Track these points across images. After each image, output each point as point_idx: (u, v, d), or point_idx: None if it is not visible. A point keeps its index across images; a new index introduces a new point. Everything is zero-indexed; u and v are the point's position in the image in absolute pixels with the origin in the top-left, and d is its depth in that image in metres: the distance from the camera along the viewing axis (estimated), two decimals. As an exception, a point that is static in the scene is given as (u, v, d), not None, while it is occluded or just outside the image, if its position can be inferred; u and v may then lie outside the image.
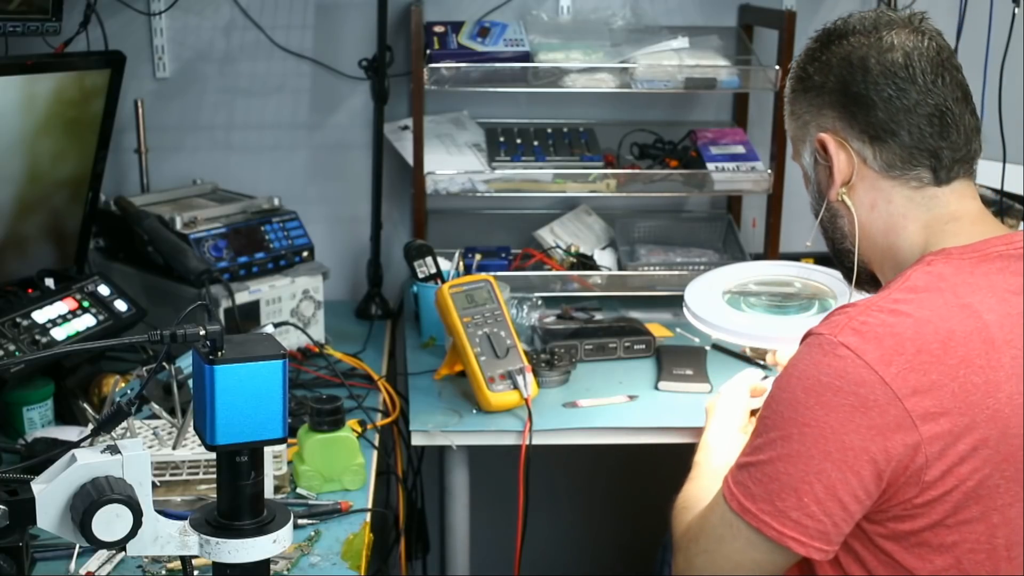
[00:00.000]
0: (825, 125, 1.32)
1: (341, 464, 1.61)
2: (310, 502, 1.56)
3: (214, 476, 1.11)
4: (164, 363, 1.25)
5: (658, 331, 2.25)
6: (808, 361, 1.21)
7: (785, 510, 1.21)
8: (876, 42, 1.28)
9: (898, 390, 1.16)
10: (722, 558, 1.28)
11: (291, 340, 2.11)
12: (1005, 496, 1.21)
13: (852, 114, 1.29)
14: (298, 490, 1.60)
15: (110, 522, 1.02)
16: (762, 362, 2.00)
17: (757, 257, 2.47)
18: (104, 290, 1.95)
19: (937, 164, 1.28)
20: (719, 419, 1.63)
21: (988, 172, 1.93)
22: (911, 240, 1.31)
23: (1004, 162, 1.92)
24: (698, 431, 1.66)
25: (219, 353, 1.04)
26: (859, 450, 1.17)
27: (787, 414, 1.21)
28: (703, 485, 1.46)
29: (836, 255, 1.42)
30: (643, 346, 2.14)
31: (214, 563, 1.09)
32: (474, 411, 1.89)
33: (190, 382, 1.54)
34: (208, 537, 1.08)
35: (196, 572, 1.17)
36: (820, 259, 2.10)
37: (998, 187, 2.00)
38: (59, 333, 1.82)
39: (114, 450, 1.05)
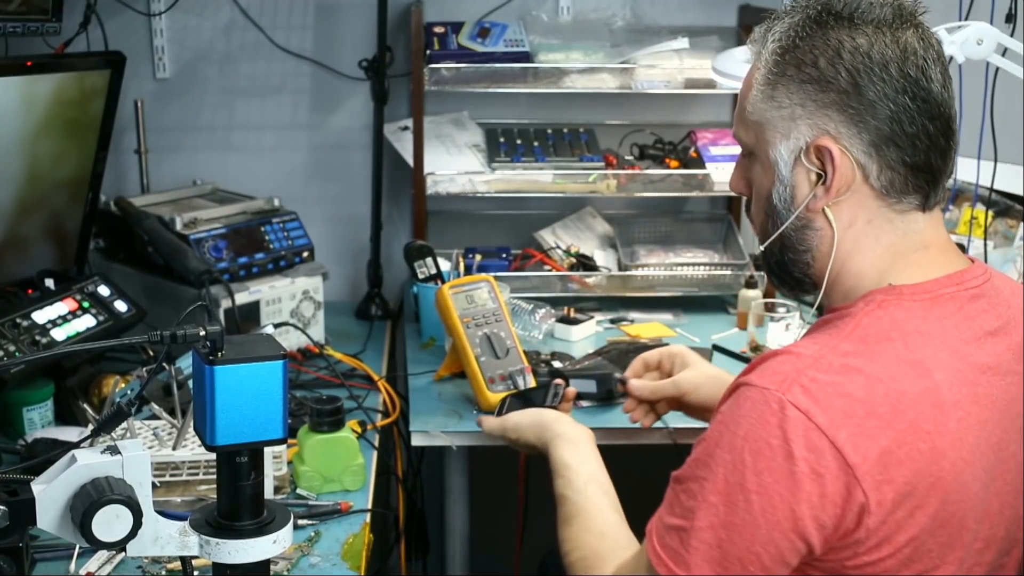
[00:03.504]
0: (825, 127, 1.15)
1: (341, 464, 1.61)
2: (310, 503, 1.56)
3: (214, 476, 1.11)
4: (164, 363, 1.25)
5: (658, 331, 2.25)
6: (755, 419, 1.09)
7: None
8: (893, 41, 1.13)
9: (848, 457, 1.07)
10: None
11: (291, 341, 2.11)
12: (935, 559, 1.15)
13: (863, 122, 1.13)
14: (298, 491, 1.59)
15: (110, 523, 1.02)
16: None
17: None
18: (104, 290, 1.95)
19: (932, 188, 1.17)
20: (571, 439, 1.48)
21: (984, 172, 1.94)
22: (872, 264, 1.19)
23: (995, 161, 1.92)
24: (699, 431, 1.65)
25: (219, 354, 1.04)
26: (809, 518, 1.09)
27: (731, 478, 1.10)
28: (590, 528, 1.34)
29: (784, 262, 1.24)
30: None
31: (214, 564, 1.09)
32: (474, 411, 1.89)
33: (190, 382, 1.54)
34: (208, 538, 1.08)
35: (196, 572, 1.17)
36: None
37: (996, 187, 2.01)
38: (59, 334, 1.82)
39: (114, 451, 1.05)
